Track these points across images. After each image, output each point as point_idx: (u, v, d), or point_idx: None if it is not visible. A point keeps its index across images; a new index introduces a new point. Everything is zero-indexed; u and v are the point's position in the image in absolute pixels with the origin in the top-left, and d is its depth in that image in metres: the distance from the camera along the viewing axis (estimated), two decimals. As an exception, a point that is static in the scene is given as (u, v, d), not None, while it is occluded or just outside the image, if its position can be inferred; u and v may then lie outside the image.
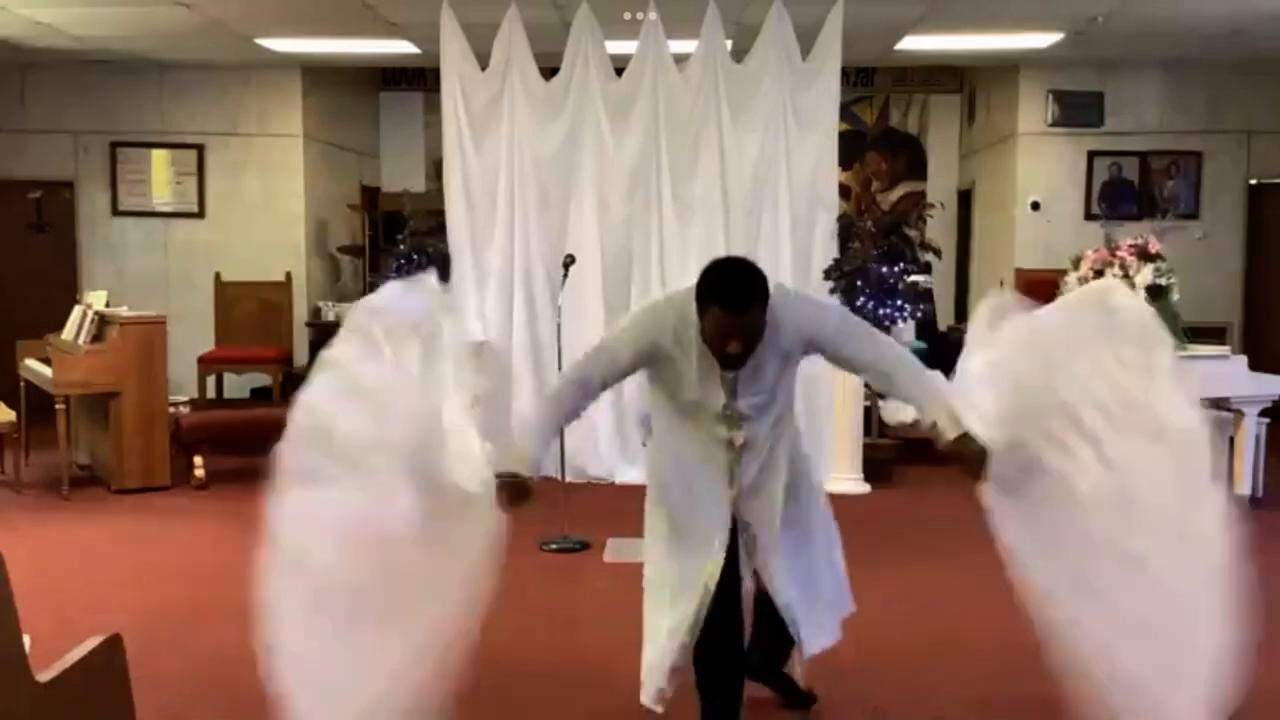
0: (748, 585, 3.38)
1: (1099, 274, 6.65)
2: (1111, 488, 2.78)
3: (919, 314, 8.74)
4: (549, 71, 7.54)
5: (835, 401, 7.20)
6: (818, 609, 3.49)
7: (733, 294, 3.02)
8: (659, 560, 3.42)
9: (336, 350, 2.91)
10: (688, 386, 3.20)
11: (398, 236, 8.10)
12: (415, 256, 7.60)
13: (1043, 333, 3.00)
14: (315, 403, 2.81)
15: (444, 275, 7.47)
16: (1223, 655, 2.75)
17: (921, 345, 9.25)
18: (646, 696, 3.37)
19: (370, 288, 9.33)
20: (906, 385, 3.23)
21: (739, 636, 3.41)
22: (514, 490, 2.97)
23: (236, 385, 9.68)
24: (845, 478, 7.15)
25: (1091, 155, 10.10)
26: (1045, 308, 3.11)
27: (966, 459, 3.02)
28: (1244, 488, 6.68)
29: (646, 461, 3.56)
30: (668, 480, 3.39)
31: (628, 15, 7.64)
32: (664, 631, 3.35)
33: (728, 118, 7.40)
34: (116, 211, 10.28)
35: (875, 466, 7.34)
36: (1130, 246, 6.68)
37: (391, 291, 3.07)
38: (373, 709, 2.81)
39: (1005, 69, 10.27)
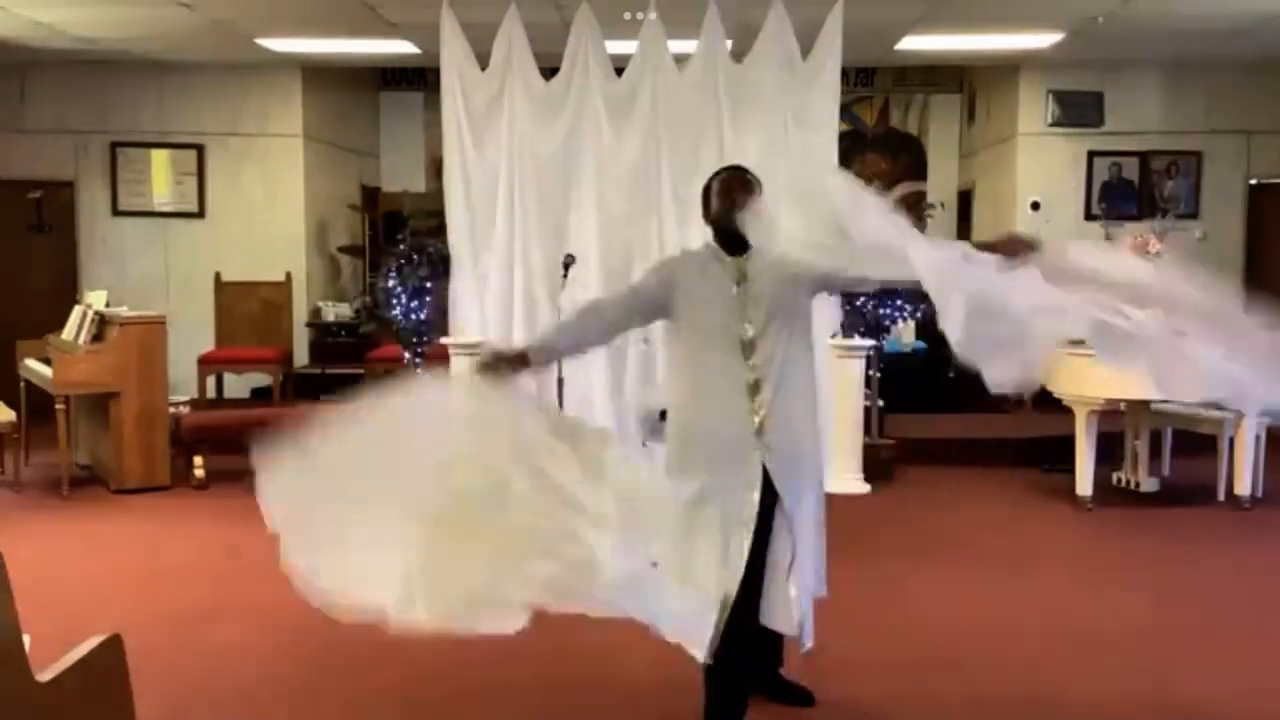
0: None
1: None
2: None
3: (919, 314, 8.73)
4: (549, 71, 7.53)
5: (835, 401, 7.20)
6: (815, 561, 3.56)
7: (727, 166, 3.73)
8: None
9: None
10: (704, 309, 3.43)
11: (398, 236, 8.09)
12: (415, 256, 7.59)
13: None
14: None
15: (444, 275, 7.50)
16: None
17: (921, 345, 9.26)
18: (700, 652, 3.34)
19: (370, 288, 9.34)
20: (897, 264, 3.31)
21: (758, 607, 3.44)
22: (490, 360, 3.23)
23: (236, 385, 9.68)
24: (845, 478, 7.15)
25: (1091, 155, 10.10)
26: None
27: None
28: (1244, 488, 6.69)
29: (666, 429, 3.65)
30: (688, 420, 3.46)
31: (628, 15, 7.64)
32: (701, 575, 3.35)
33: (728, 118, 7.40)
34: (116, 211, 10.28)
35: (875, 466, 7.34)
36: (1130, 246, 6.68)
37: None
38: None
39: (1005, 69, 10.27)
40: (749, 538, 3.34)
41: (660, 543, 3.13)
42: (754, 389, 3.37)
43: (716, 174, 3.66)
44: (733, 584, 3.33)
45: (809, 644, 3.55)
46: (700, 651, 3.31)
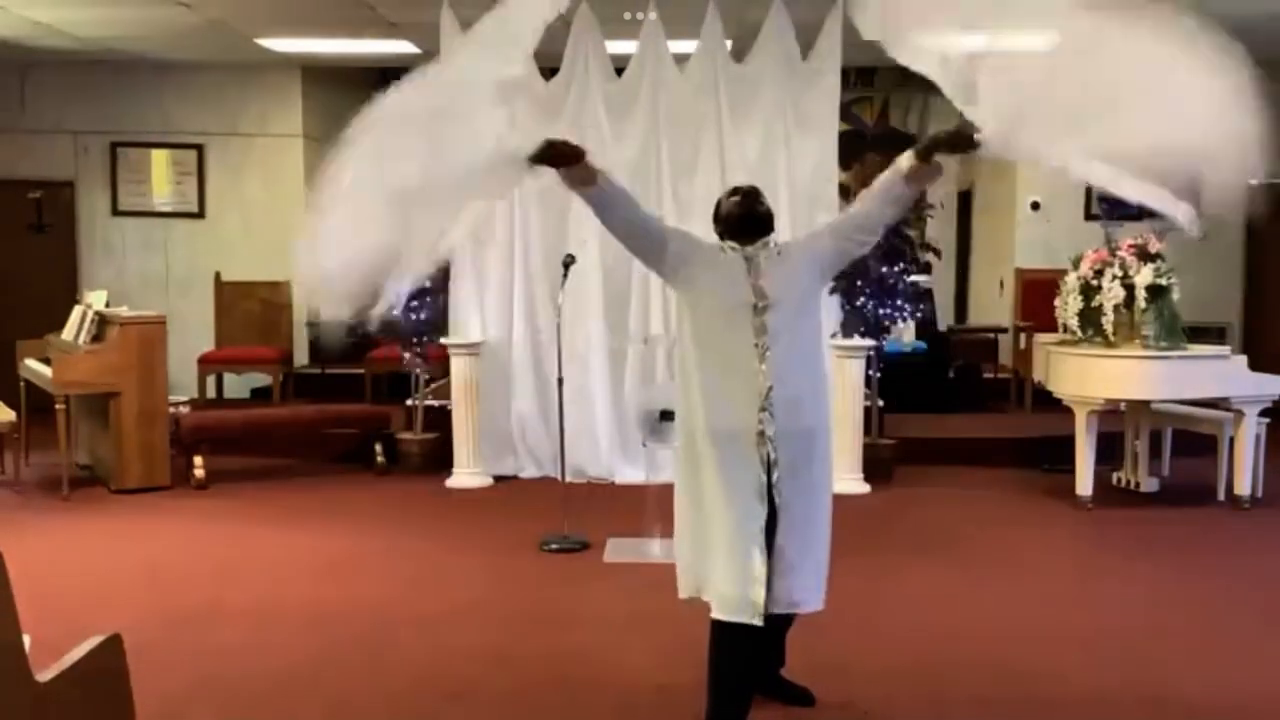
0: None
1: (1099, 274, 6.66)
2: None
3: (919, 314, 8.73)
4: (549, 71, 7.54)
5: (835, 401, 7.19)
6: (809, 566, 3.53)
7: (737, 187, 3.78)
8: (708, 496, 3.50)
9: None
10: (716, 285, 3.53)
11: (398, 236, 8.08)
12: (415, 256, 7.58)
13: None
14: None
15: (444, 275, 7.49)
16: None
17: (922, 345, 9.26)
18: (744, 613, 3.40)
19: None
20: (872, 202, 3.61)
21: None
22: (565, 148, 3.58)
23: (236, 385, 9.68)
24: (845, 478, 7.14)
25: (1091, 155, 10.08)
26: None
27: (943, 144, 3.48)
28: (1244, 488, 6.69)
29: (678, 417, 3.70)
30: (701, 398, 3.51)
31: (628, 15, 7.64)
32: (728, 539, 3.42)
33: (728, 118, 7.40)
34: (116, 211, 10.28)
35: (875, 466, 7.34)
36: (1130, 246, 6.68)
37: None
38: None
39: (1005, 69, 10.24)
40: (763, 518, 3.41)
41: None
42: (762, 361, 3.44)
43: (731, 196, 3.72)
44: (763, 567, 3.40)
45: (803, 609, 3.56)
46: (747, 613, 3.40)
